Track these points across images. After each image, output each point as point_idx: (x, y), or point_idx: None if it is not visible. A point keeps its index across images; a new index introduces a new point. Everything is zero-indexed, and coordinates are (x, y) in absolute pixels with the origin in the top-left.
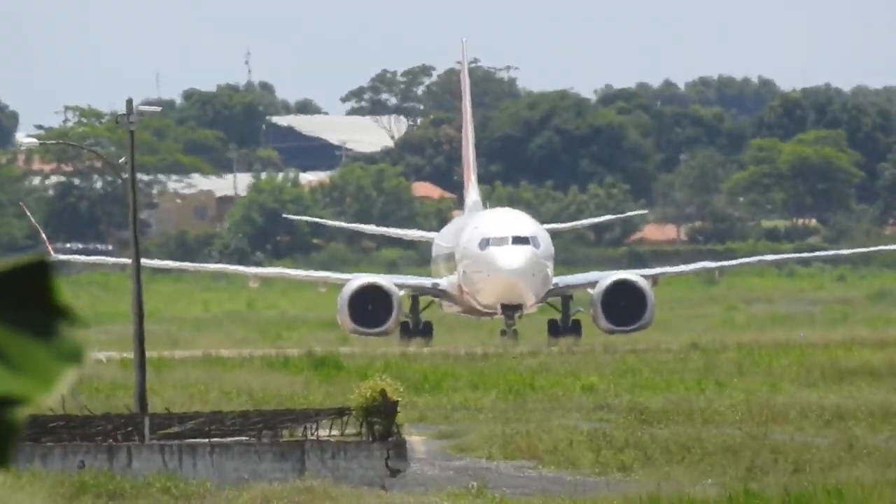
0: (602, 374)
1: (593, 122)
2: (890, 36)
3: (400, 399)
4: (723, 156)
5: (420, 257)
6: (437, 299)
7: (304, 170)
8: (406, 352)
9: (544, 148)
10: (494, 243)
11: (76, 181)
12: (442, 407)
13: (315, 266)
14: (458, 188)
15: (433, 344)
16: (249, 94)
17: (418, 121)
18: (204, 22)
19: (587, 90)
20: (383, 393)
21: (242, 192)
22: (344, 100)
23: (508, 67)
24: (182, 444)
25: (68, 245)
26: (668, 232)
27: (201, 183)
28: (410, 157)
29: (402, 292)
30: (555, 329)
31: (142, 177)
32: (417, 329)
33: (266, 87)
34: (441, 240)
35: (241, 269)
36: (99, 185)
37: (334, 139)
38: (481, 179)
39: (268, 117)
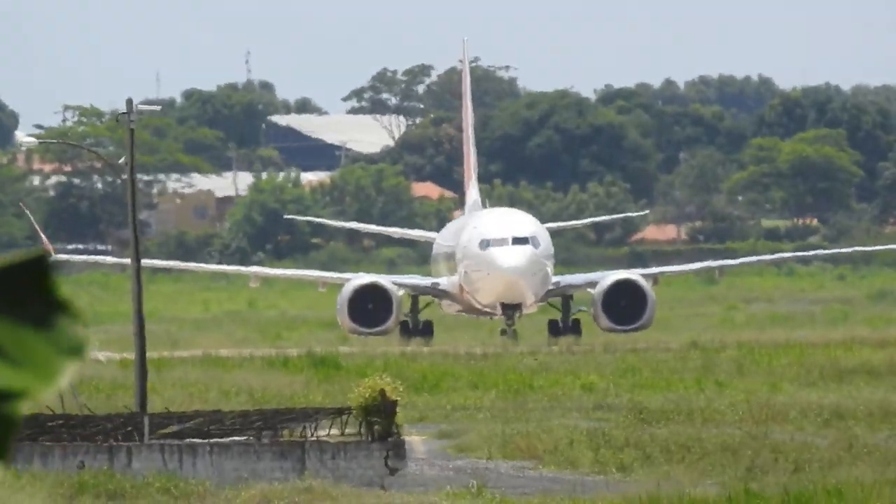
0: (602, 373)
1: (593, 122)
2: (890, 35)
3: (399, 399)
4: (723, 155)
5: (420, 257)
6: (436, 299)
7: (304, 169)
8: (406, 351)
9: (544, 147)
10: (494, 243)
11: (76, 181)
12: (441, 407)
13: (315, 266)
14: (458, 188)
15: (433, 343)
16: (249, 93)
17: (418, 120)
18: (204, 22)
19: (587, 90)
20: (383, 392)
21: (242, 192)
22: (344, 99)
23: (508, 67)
24: (182, 444)
25: (69, 246)
26: (669, 232)
27: (201, 182)
28: (410, 156)
29: (401, 292)
30: (555, 329)
31: (141, 177)
32: (417, 329)
33: (266, 87)
34: (441, 239)
35: (242, 269)
36: (99, 185)
37: (334, 139)
38: (481, 179)
39: (268, 117)
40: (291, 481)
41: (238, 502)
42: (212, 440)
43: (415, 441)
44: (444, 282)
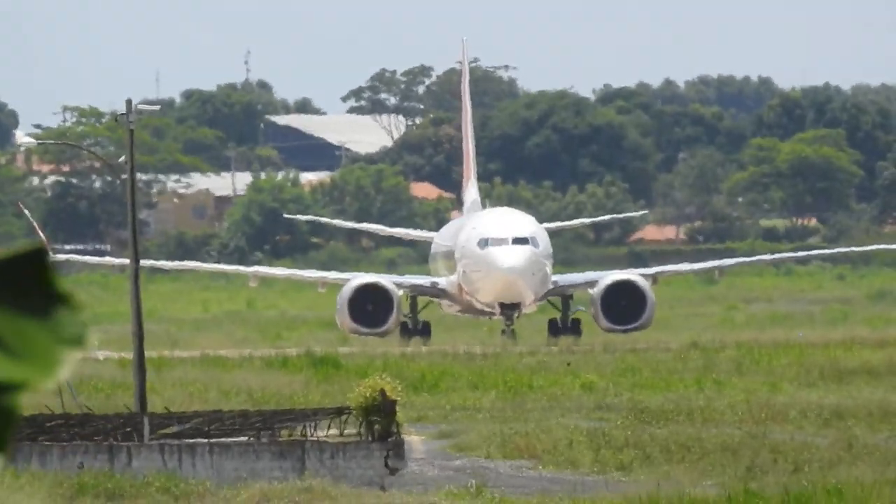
0: (602, 373)
1: (593, 122)
2: (889, 35)
3: (399, 398)
4: (722, 155)
5: (420, 257)
6: (436, 299)
7: (304, 169)
8: (405, 351)
9: (543, 147)
10: (494, 243)
11: (75, 181)
12: (441, 406)
13: (314, 266)
14: (456, 188)
15: (432, 343)
16: (249, 93)
17: (418, 120)
18: (204, 22)
19: (586, 89)
20: (382, 392)
21: (241, 191)
22: (343, 99)
23: (507, 67)
24: (181, 444)
25: (68, 246)
26: (668, 232)
27: (200, 182)
28: (410, 156)
29: (400, 292)
30: (554, 328)
31: (141, 176)
32: (416, 329)
33: (265, 87)
34: (440, 239)
35: (241, 268)
36: (98, 185)
37: (334, 139)
38: (480, 178)
39: (267, 116)
40: (291, 481)
41: (237, 502)
42: (211, 440)
43: (414, 441)
44: (443, 281)
